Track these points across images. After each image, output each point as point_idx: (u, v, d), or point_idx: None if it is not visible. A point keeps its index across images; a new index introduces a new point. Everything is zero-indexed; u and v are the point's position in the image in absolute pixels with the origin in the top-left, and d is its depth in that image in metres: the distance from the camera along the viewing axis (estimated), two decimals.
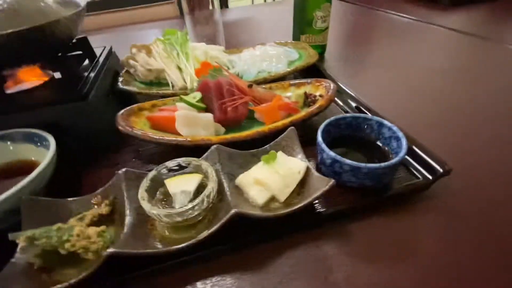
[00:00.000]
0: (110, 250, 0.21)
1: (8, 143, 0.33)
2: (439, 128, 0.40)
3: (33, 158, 0.34)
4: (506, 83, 0.50)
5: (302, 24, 0.57)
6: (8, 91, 0.39)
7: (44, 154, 0.33)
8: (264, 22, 0.95)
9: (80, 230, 0.24)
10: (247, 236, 0.27)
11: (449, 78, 0.53)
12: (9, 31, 0.31)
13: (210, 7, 0.65)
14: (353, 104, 0.44)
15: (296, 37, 0.61)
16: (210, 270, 0.25)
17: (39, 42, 0.35)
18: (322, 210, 0.29)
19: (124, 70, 0.53)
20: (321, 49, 0.61)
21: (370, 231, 0.28)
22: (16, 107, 0.37)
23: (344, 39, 0.74)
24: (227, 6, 1.19)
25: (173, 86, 0.48)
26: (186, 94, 0.43)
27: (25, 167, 0.33)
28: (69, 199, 0.28)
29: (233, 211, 0.24)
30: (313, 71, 0.52)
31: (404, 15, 0.84)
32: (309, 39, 0.58)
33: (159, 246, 0.25)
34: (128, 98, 0.51)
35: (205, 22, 0.67)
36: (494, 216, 0.28)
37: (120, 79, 0.49)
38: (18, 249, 0.24)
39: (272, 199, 0.29)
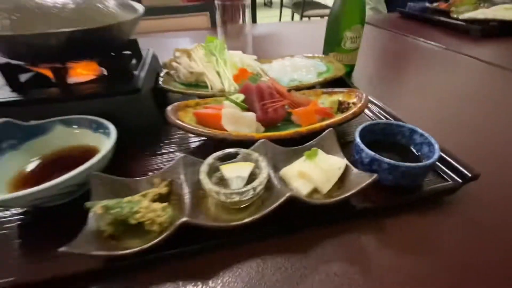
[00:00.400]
0: (184, 219, 0.24)
1: (74, 126, 0.37)
2: (462, 142, 0.43)
3: (91, 144, 0.37)
4: None
5: (332, 43, 0.61)
6: (69, 81, 0.43)
7: (100, 140, 0.37)
8: (291, 38, 1.01)
9: (147, 204, 0.27)
10: (293, 221, 0.29)
11: (476, 103, 0.55)
12: (86, 27, 0.35)
13: (241, 21, 0.70)
14: (379, 113, 0.47)
15: (325, 54, 0.64)
16: (261, 249, 0.28)
17: (105, 39, 0.39)
18: (360, 204, 0.31)
19: (165, 71, 0.57)
20: (350, 68, 0.64)
21: (403, 227, 0.30)
22: (76, 96, 0.40)
23: (373, 61, 0.78)
24: (255, 21, 1.27)
25: (211, 88, 0.52)
26: (224, 96, 0.47)
27: (86, 151, 0.36)
28: (131, 179, 0.31)
29: (288, 194, 0.27)
30: (341, 85, 0.55)
31: (434, 43, 0.88)
32: (338, 57, 0.62)
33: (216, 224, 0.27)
34: (165, 97, 0.55)
35: (236, 35, 0.72)
36: None
37: (161, 79, 0.53)
38: (90, 218, 0.27)
39: (314, 191, 0.31)
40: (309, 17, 2.69)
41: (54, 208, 0.31)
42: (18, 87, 0.41)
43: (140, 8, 0.46)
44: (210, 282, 0.25)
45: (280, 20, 3.43)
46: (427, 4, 1.16)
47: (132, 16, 0.42)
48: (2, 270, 0.26)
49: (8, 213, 0.31)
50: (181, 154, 0.32)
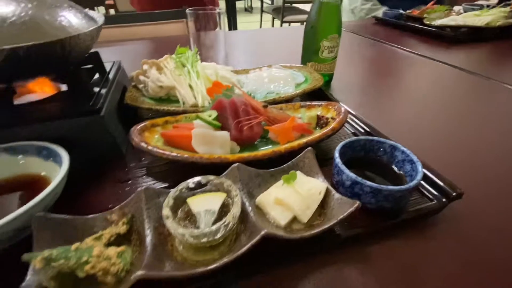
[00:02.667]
0: (140, 273, 0.20)
1: (20, 156, 0.32)
2: (442, 155, 0.42)
3: (42, 173, 0.32)
4: (499, 117, 0.53)
5: (310, 52, 0.59)
6: (16, 102, 0.38)
7: (52, 169, 0.32)
8: (270, 45, 0.99)
9: (100, 251, 0.23)
10: (268, 258, 0.26)
11: (453, 112, 0.55)
12: (30, 43, 0.31)
13: (217, 29, 0.67)
14: (358, 125, 0.45)
15: (304, 63, 0.63)
16: None
17: (57, 55, 0.35)
18: (342, 232, 0.29)
19: (132, 85, 0.53)
20: (328, 78, 0.63)
21: (388, 255, 0.28)
22: (25, 119, 0.36)
23: (351, 69, 0.77)
24: (236, 28, 1.24)
25: (183, 103, 0.48)
26: (197, 112, 0.44)
27: (34, 182, 0.32)
28: (84, 216, 0.27)
29: (262, 232, 0.24)
30: (320, 95, 0.54)
31: (410, 50, 0.89)
32: (316, 67, 0.60)
33: (183, 268, 0.24)
34: (134, 114, 0.51)
35: (210, 43, 0.69)
36: (503, 240, 0.30)
37: (128, 94, 0.49)
38: (30, 271, 0.22)
39: (294, 220, 0.29)
40: (289, 22, 2.71)
41: None
42: None
43: (99, 19, 0.42)
44: None
45: (260, 26, 3.43)
46: (401, 11, 1.19)
47: (88, 28, 0.38)
48: None
49: None
50: (145, 184, 0.29)
